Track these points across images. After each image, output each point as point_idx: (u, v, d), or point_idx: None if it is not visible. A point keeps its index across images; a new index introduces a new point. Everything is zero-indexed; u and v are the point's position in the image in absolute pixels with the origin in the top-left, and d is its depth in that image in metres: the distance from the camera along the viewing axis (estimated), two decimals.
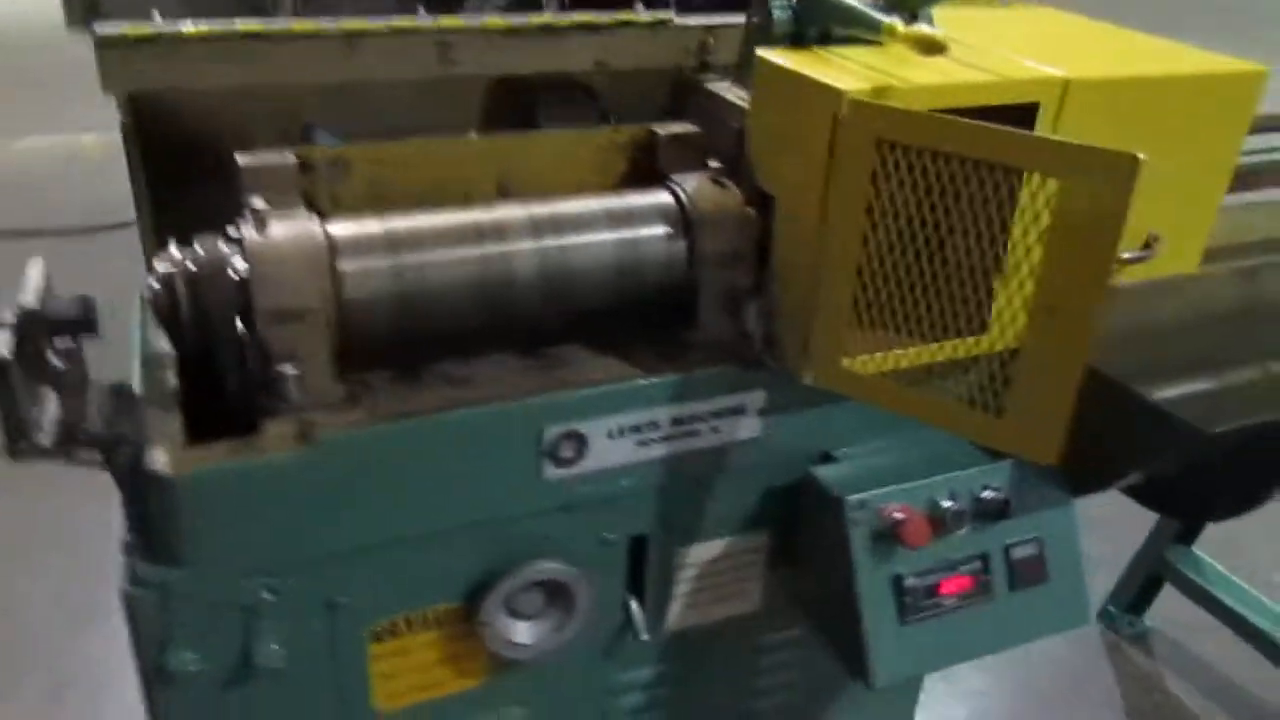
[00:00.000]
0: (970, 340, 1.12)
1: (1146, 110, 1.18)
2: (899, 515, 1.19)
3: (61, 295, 0.98)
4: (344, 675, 1.14)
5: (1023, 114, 1.11)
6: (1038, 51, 1.18)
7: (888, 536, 1.19)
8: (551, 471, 1.12)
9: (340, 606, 1.10)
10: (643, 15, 1.34)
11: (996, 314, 1.10)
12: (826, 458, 1.27)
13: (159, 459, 0.97)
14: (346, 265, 1.01)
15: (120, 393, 1.02)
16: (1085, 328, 0.98)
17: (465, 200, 1.12)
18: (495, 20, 1.27)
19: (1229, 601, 2.32)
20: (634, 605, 1.27)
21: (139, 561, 1.00)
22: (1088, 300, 0.97)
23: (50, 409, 0.98)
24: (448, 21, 1.25)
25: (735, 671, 1.43)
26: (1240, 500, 1.45)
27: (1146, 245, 1.26)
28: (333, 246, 1.00)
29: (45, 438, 0.97)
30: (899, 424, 1.25)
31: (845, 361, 1.10)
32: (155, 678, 1.05)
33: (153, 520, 0.99)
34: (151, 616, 1.01)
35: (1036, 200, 0.99)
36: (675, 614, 1.32)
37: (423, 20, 1.25)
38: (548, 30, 1.29)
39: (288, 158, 1.05)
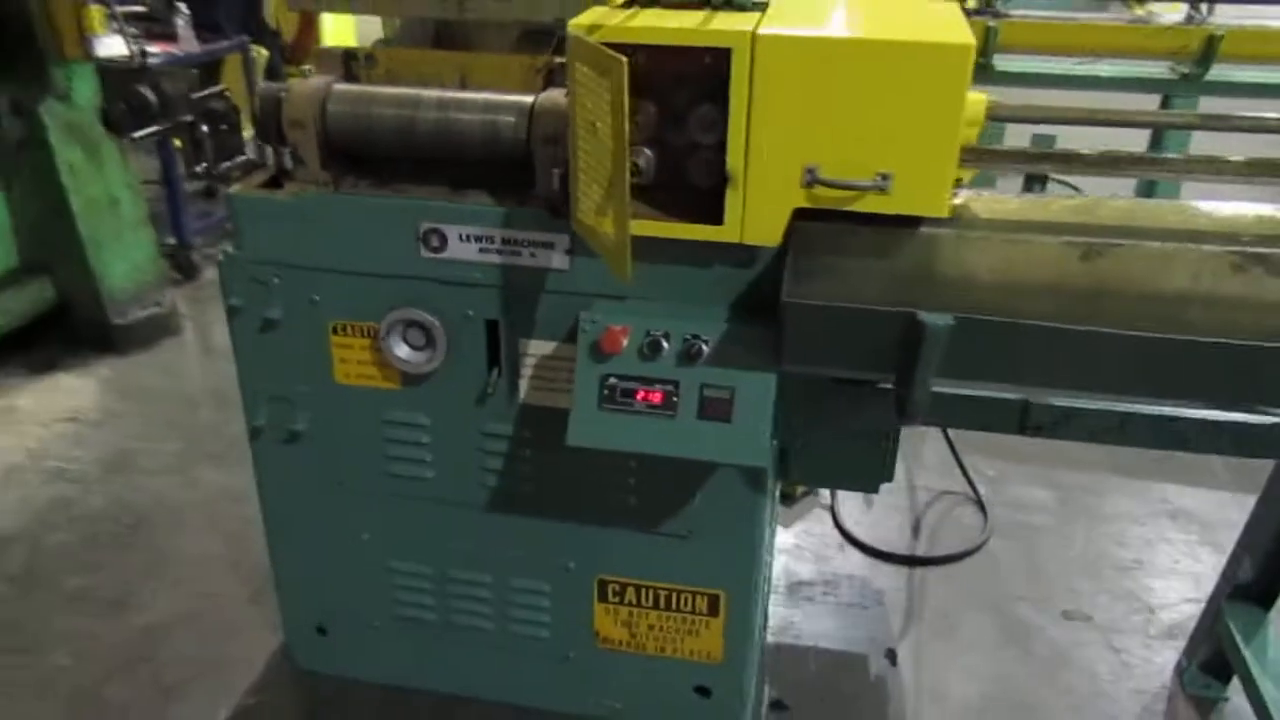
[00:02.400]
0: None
1: (849, 67, 1.52)
2: (613, 335, 1.69)
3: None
4: (316, 348, 1.98)
5: (721, 57, 1.55)
6: (809, 17, 1.59)
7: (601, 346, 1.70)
8: (424, 253, 1.84)
9: (314, 301, 1.94)
10: None
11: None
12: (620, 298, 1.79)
13: (234, 189, 1.90)
14: (330, 105, 1.83)
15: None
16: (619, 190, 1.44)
17: (427, 85, 1.88)
18: None
19: (1261, 682, 2.11)
20: (492, 372, 1.93)
21: (226, 246, 1.95)
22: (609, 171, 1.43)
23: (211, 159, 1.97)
24: None
25: (576, 459, 1.98)
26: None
27: (882, 179, 1.58)
28: (327, 94, 1.84)
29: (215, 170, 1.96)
30: (667, 280, 1.74)
31: (579, 215, 1.65)
32: (229, 314, 1.99)
33: (231, 220, 1.93)
34: (225, 274, 1.95)
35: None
36: (524, 389, 1.93)
37: None
38: None
39: (338, 51, 1.91)
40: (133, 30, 3.82)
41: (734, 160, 1.60)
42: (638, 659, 2.18)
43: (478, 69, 1.92)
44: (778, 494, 2.45)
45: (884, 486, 2.73)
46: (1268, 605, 2.25)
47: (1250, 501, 2.29)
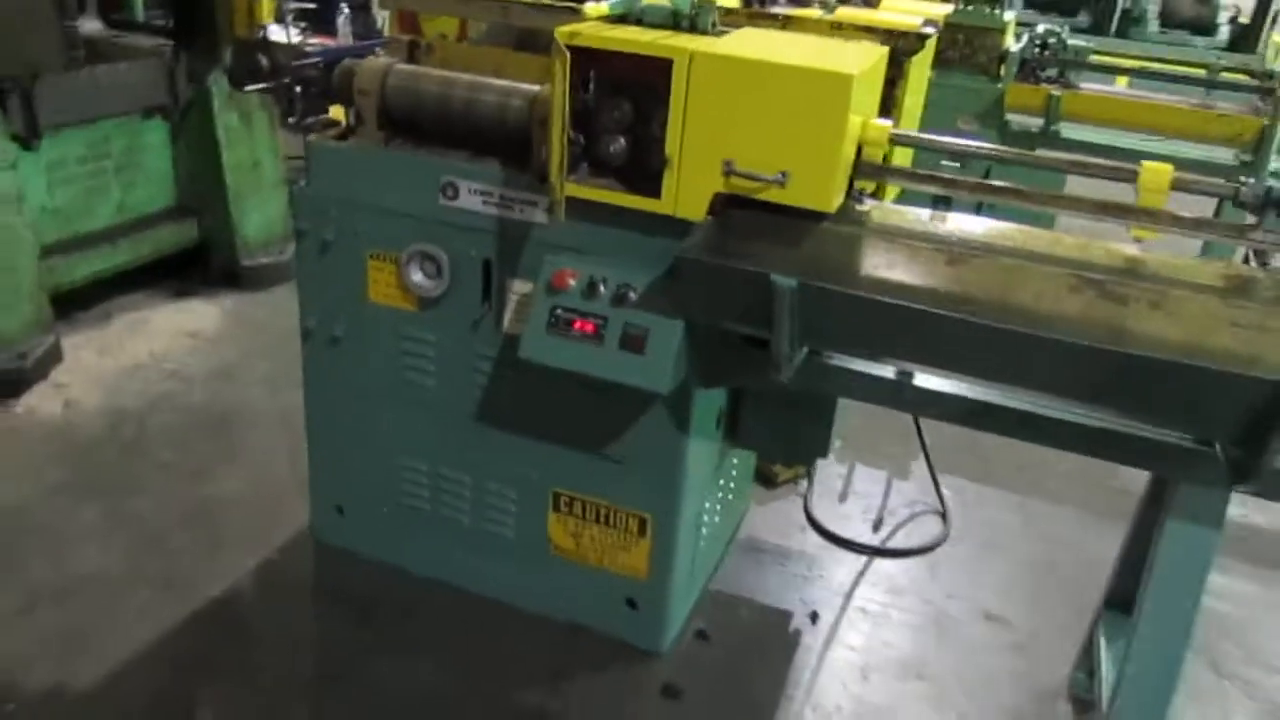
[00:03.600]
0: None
1: (758, 83, 1.94)
2: (563, 274, 2.15)
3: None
4: (356, 270, 2.51)
5: (666, 66, 1.99)
6: (746, 43, 2.03)
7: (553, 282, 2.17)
8: (442, 200, 2.35)
9: (358, 232, 2.47)
10: None
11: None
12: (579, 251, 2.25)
13: (311, 138, 2.46)
14: (390, 79, 2.37)
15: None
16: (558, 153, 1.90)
17: (468, 72, 2.40)
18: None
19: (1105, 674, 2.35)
20: (484, 304, 2.41)
21: (297, 185, 2.51)
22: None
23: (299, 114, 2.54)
24: None
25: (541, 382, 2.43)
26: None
27: (782, 175, 1.99)
28: (388, 71, 2.37)
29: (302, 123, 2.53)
30: (617, 239, 2.18)
31: (552, 183, 2.12)
32: (297, 235, 2.54)
33: (306, 161, 2.49)
34: (297, 203, 2.50)
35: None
36: (506, 320, 2.41)
37: None
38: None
39: (403, 39, 2.45)
40: (301, 24, 4.56)
41: (671, 148, 2.05)
42: (581, 568, 2.61)
43: (511, 64, 2.42)
44: (731, 453, 2.84)
45: (859, 489, 3.14)
46: (1129, 611, 2.49)
47: None
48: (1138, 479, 2.43)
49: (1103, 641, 2.49)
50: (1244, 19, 11.30)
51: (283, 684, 2.50)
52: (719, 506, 2.86)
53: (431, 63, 2.51)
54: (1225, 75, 4.67)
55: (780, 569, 3.08)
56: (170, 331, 4.20)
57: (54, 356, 3.82)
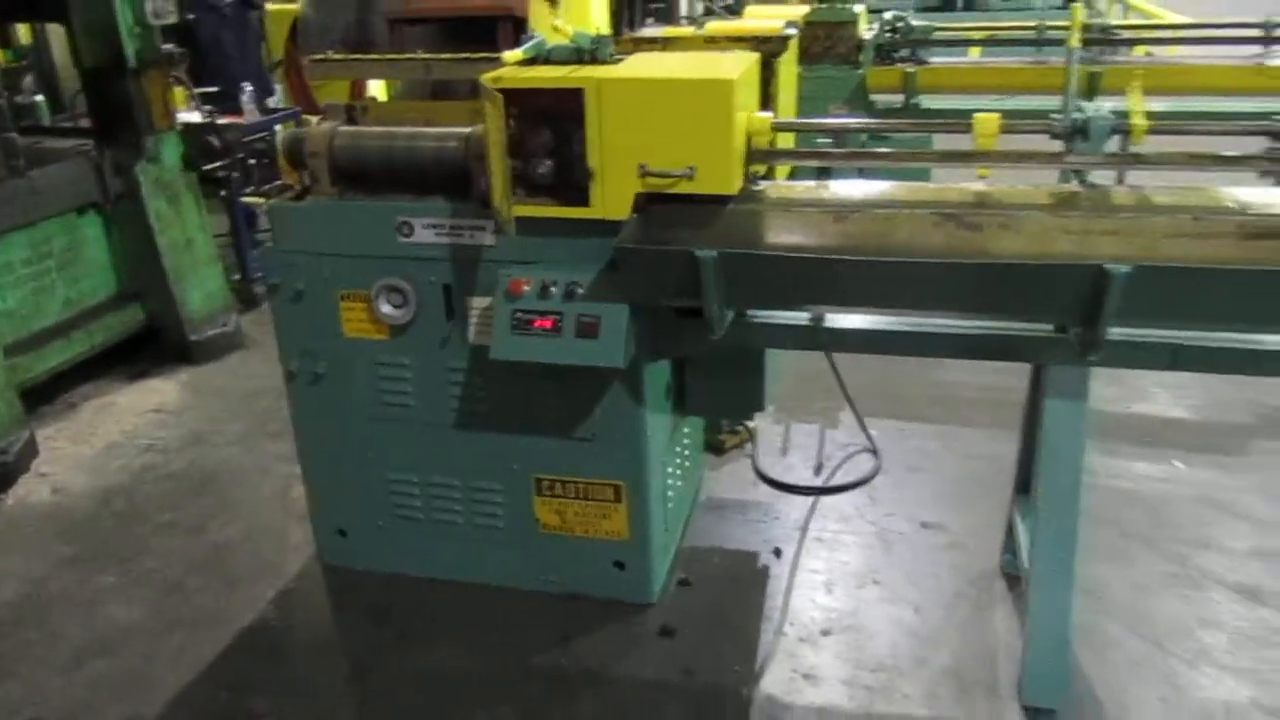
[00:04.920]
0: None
1: (656, 97, 2.34)
2: (517, 282, 2.51)
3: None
4: (330, 311, 2.82)
5: (579, 94, 2.38)
6: (640, 67, 2.42)
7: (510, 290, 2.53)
8: (400, 239, 2.68)
9: (327, 277, 2.79)
10: None
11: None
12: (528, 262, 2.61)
13: (271, 202, 2.77)
14: (337, 140, 2.70)
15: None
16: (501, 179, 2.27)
17: (402, 124, 2.74)
18: None
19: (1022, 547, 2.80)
20: (449, 322, 2.75)
21: (268, 244, 2.82)
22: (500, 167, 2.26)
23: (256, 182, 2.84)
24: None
25: (511, 382, 2.78)
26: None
27: (690, 170, 2.38)
28: (333, 134, 2.71)
29: (259, 191, 2.84)
30: (559, 247, 2.55)
31: (498, 206, 2.48)
32: (269, 289, 2.85)
33: (270, 223, 2.80)
34: (267, 260, 2.81)
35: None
36: (471, 333, 2.75)
37: None
38: None
39: (341, 105, 2.79)
40: (208, 106, 4.84)
41: (593, 162, 2.43)
42: (570, 540, 2.96)
43: (439, 113, 2.78)
44: (685, 422, 3.22)
45: (798, 443, 3.54)
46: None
47: None
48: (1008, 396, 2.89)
49: (1018, 520, 2.94)
50: None
51: (323, 686, 2.79)
52: (679, 471, 3.23)
53: (369, 122, 2.85)
54: (1051, 32, 5.25)
55: (742, 519, 3.46)
56: (136, 410, 4.42)
57: (31, 450, 4.01)
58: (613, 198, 2.45)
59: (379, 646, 2.91)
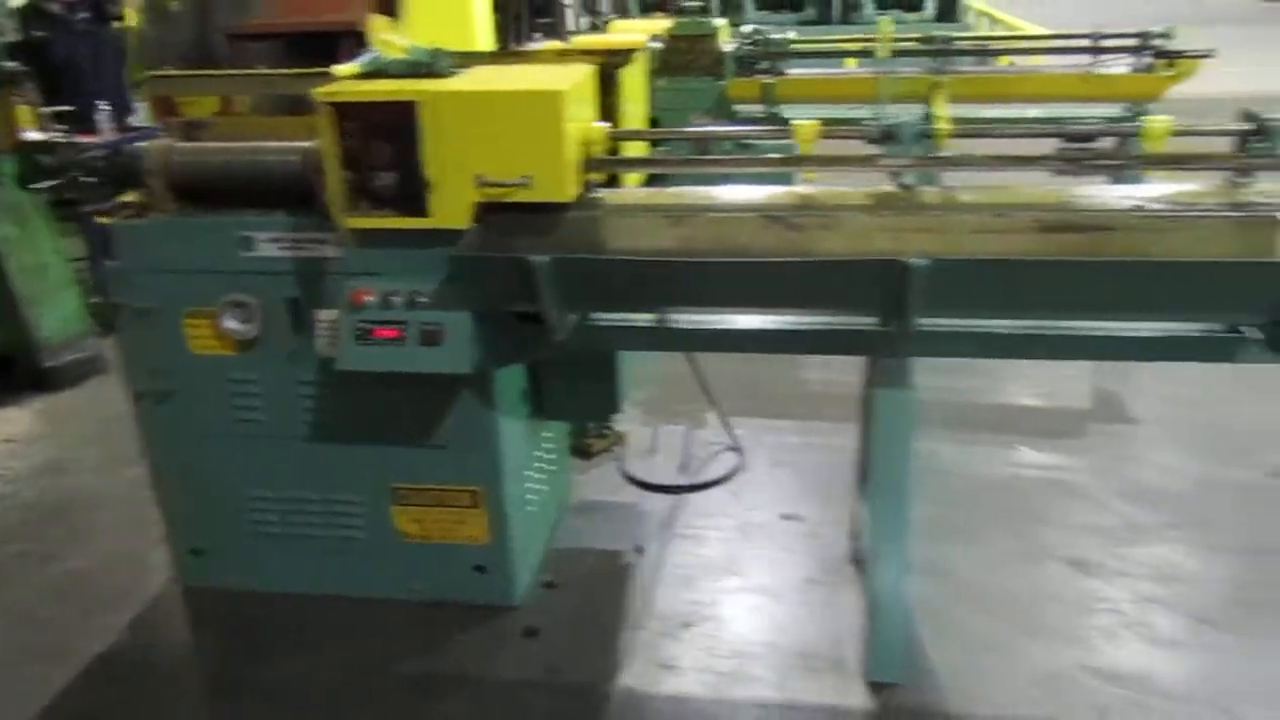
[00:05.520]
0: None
1: (489, 109, 2.40)
2: (359, 293, 2.54)
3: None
4: (175, 328, 2.80)
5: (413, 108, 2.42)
6: (474, 80, 2.48)
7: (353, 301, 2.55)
8: (243, 254, 2.68)
9: (171, 294, 2.76)
10: None
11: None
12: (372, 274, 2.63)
13: (109, 220, 2.73)
14: (174, 157, 2.69)
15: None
16: (338, 192, 2.30)
17: (246, 139, 2.74)
18: None
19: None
20: (297, 338, 2.75)
21: (110, 262, 2.77)
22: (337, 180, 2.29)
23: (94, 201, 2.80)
24: None
25: (363, 393, 2.79)
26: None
27: (525, 179, 2.45)
28: (170, 150, 2.69)
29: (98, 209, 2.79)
30: (402, 257, 2.58)
31: (336, 219, 2.50)
32: (114, 309, 2.80)
33: (111, 242, 2.76)
34: (110, 280, 2.77)
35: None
36: (320, 346, 2.76)
37: None
38: None
39: (177, 121, 2.77)
40: (62, 126, 4.70)
41: (430, 172, 2.47)
42: (430, 547, 2.98)
43: (285, 128, 2.78)
44: (546, 427, 3.28)
45: (665, 445, 3.63)
46: None
47: None
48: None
49: (860, 507, 3.08)
50: None
51: (181, 707, 2.75)
52: (542, 476, 3.28)
53: (210, 138, 2.84)
54: (899, 45, 5.50)
55: (608, 520, 3.54)
56: None
57: None
58: (451, 208, 2.50)
59: (239, 664, 2.88)
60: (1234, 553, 3.26)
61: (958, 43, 5.35)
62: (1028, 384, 4.53)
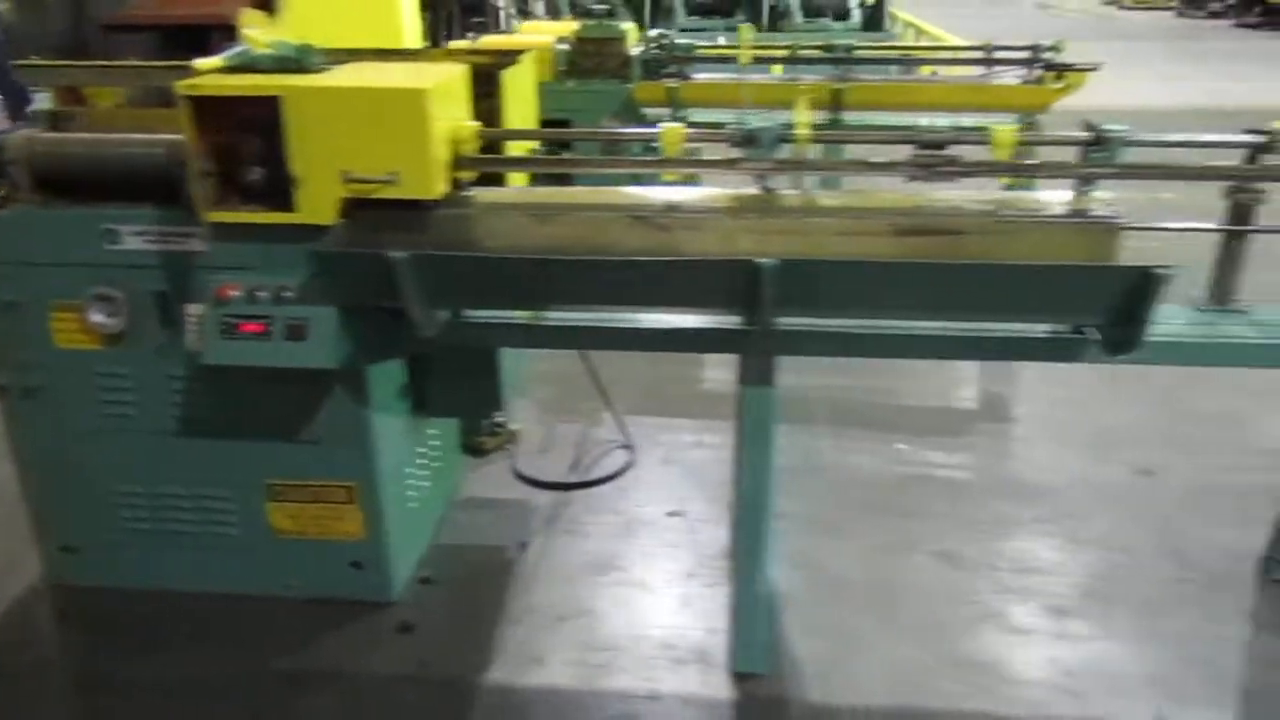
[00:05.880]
0: None
1: (353, 105, 2.41)
2: (224, 288, 2.53)
3: None
4: (41, 321, 2.76)
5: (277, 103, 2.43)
6: (342, 76, 2.49)
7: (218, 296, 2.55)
8: (108, 246, 2.65)
9: (37, 286, 2.72)
10: None
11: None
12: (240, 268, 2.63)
13: None
14: (37, 148, 2.65)
15: None
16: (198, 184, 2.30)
17: (117, 131, 2.71)
18: None
19: None
20: (165, 332, 2.74)
21: None
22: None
23: None
24: None
25: (233, 387, 2.78)
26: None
27: (391, 175, 2.46)
28: (32, 141, 2.65)
29: None
30: (269, 252, 2.58)
31: (202, 213, 2.49)
32: None
33: None
34: None
35: None
36: (189, 340, 2.74)
37: None
38: None
39: (46, 113, 2.73)
40: None
41: (296, 168, 2.48)
42: (305, 543, 2.98)
43: (158, 120, 2.76)
44: (431, 424, 3.29)
45: (559, 443, 3.66)
46: None
47: None
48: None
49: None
50: (870, 1, 13.08)
51: (44, 705, 2.71)
52: (424, 472, 3.29)
53: (78, 129, 2.80)
54: (806, 51, 5.63)
55: (494, 517, 3.57)
56: None
57: None
58: (318, 203, 2.50)
59: (108, 661, 2.85)
60: (1094, 546, 3.41)
61: (857, 51, 5.47)
62: (918, 384, 4.65)
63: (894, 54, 6.02)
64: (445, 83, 2.56)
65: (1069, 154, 2.63)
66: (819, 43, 5.71)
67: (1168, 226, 2.67)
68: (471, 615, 3.05)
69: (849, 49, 5.44)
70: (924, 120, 5.10)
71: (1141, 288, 2.24)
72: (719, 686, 2.75)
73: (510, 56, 3.24)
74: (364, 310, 2.60)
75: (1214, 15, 25.23)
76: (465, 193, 2.67)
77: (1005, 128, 2.58)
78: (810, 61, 5.68)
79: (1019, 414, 4.42)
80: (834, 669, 2.83)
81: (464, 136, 2.63)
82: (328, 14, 5.72)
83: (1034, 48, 5.29)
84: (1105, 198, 2.55)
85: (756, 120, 2.60)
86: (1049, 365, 4.15)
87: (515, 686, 2.76)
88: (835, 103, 5.16)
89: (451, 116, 2.61)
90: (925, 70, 7.12)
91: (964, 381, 4.69)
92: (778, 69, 6.17)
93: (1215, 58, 17.45)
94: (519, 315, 2.69)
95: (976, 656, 2.87)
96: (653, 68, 5.52)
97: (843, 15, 13.25)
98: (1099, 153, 2.57)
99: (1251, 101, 12.49)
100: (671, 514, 3.58)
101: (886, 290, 2.40)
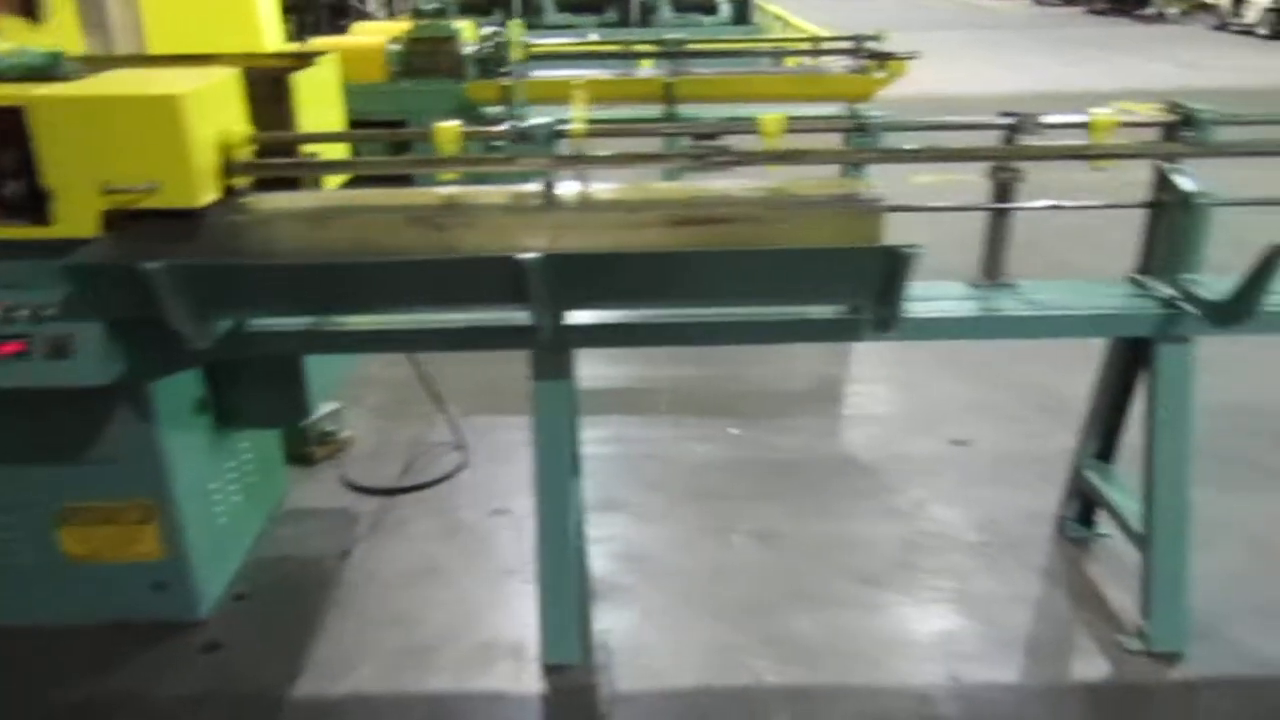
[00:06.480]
0: None
1: (105, 114, 2.34)
2: None
3: None
4: None
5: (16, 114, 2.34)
6: (96, 84, 2.41)
7: None
8: None
9: None
10: None
11: None
12: None
13: None
14: None
15: None
16: None
17: None
18: None
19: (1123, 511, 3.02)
20: None
21: None
22: None
23: None
24: None
25: (10, 410, 2.68)
26: None
27: (152, 184, 2.40)
28: None
29: None
30: (30, 269, 2.49)
31: None
32: None
33: None
34: None
35: None
36: None
37: None
38: None
39: None
40: None
41: (49, 180, 2.39)
42: (103, 567, 2.88)
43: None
44: (243, 435, 3.22)
45: (392, 448, 3.61)
46: (1111, 460, 3.25)
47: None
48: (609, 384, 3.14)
49: (1099, 484, 3.24)
50: None
51: None
52: (235, 486, 3.22)
53: None
54: (638, 47, 5.69)
55: (318, 527, 3.51)
56: None
57: None
58: (77, 216, 2.43)
59: None
60: (907, 518, 3.54)
61: (690, 45, 5.56)
62: (758, 370, 4.75)
63: (726, 47, 6.09)
64: (208, 88, 2.50)
65: (836, 140, 2.73)
66: (651, 39, 5.78)
67: (933, 207, 2.80)
68: (285, 628, 3.00)
69: (679, 43, 5.51)
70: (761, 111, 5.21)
71: (892, 267, 2.34)
72: (530, 681, 2.77)
73: (305, 60, 3.19)
74: (137, 323, 2.53)
75: (1068, 2, 26.43)
76: (240, 199, 2.63)
77: (773, 116, 2.66)
78: (672, 55, 5.75)
79: (848, 394, 4.56)
80: (646, 654, 2.88)
81: (235, 142, 2.58)
82: (184, 21, 5.56)
83: (856, 38, 5.45)
84: (871, 182, 2.66)
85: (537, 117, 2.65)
86: (880, 346, 4.33)
87: (323, 696, 2.73)
88: (668, 97, 5.23)
89: (219, 122, 2.56)
90: (790, 61, 7.28)
91: (800, 365, 4.81)
92: (647, 64, 6.23)
93: (1065, 44, 18.28)
94: (302, 322, 2.66)
95: (786, 633, 2.96)
96: (488, 66, 5.51)
97: (710, 10, 13.41)
98: (863, 138, 2.67)
99: (1090, 85, 13.15)
100: (496, 512, 3.59)
101: (656, 280, 2.45)
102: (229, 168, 2.58)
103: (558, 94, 5.43)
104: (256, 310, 2.54)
